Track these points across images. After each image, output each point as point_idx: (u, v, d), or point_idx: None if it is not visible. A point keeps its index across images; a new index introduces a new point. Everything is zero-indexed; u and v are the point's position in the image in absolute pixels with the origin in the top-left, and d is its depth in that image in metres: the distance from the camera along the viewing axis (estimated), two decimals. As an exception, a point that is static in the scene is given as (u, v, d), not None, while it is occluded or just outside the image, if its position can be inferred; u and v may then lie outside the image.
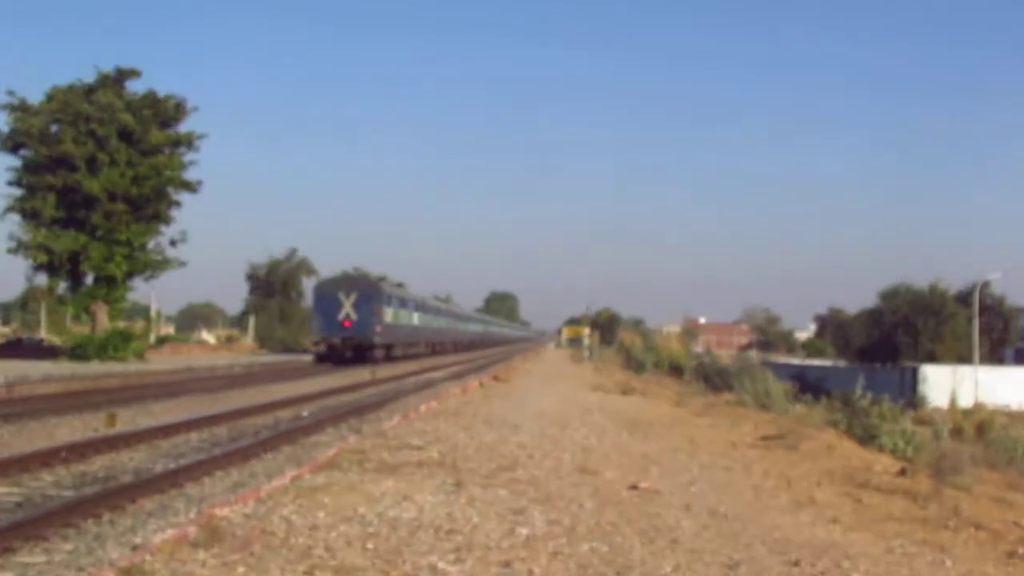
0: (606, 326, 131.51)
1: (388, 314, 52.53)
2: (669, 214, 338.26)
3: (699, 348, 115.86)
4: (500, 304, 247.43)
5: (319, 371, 41.16)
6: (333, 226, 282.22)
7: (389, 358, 53.18)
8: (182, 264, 42.95)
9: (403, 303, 56.61)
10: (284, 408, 23.10)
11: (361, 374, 38.54)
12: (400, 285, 64.89)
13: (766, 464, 14.76)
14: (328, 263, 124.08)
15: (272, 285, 77.88)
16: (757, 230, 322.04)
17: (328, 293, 51.23)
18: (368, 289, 51.75)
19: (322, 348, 50.50)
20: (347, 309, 50.33)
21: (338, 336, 49.93)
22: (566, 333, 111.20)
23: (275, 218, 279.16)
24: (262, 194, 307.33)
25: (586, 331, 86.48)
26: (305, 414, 21.53)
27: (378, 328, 50.73)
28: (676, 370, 56.28)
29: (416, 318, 61.34)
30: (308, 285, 75.64)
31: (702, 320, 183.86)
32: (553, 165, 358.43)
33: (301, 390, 29.12)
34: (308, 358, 50.61)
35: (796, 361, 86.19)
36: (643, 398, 30.66)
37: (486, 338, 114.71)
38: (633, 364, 60.30)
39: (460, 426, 18.22)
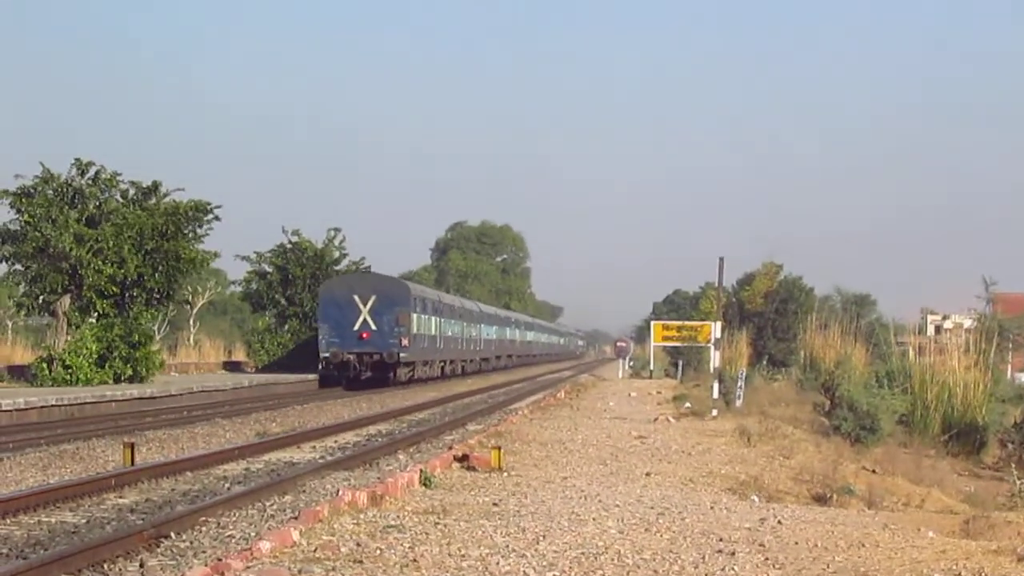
0: (772, 318, 55.71)
1: (415, 323, 41.77)
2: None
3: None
4: (481, 260, 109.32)
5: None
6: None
7: (412, 380, 42.41)
8: None
9: (424, 306, 44.81)
10: None
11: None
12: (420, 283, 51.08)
13: None
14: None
15: None
16: None
17: (339, 296, 40.61)
18: (391, 290, 41.67)
19: (330, 367, 39.88)
20: (364, 316, 39.97)
21: (353, 351, 39.53)
22: (659, 336, 55.24)
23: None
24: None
25: (715, 331, 32.90)
26: None
27: (404, 341, 40.42)
28: (964, 435, 27.29)
29: (434, 324, 46.42)
30: None
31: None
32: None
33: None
34: None
35: None
36: (870, 513, 13.57)
37: (502, 350, 67.17)
38: (844, 420, 25.39)
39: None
